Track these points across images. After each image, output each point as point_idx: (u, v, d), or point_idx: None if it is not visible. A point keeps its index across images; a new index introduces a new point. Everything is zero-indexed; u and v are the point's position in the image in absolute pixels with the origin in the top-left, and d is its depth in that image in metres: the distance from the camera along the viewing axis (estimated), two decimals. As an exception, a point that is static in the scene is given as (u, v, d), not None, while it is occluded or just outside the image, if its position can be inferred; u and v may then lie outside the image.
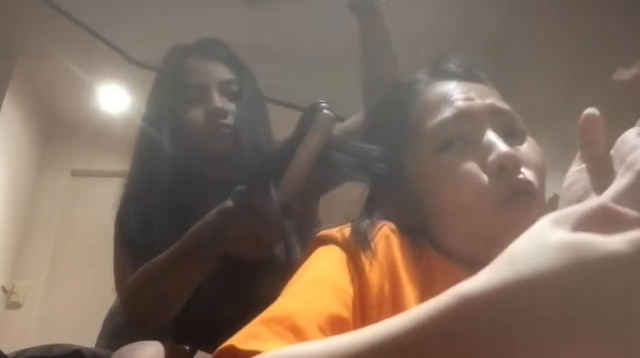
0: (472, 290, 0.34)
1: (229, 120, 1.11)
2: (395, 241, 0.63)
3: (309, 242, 0.65)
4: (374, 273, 0.58)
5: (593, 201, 0.35)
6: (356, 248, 0.60)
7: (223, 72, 1.15)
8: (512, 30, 2.49)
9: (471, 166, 0.63)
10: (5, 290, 2.94)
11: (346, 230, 0.63)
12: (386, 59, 1.08)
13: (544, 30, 2.27)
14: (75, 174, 3.30)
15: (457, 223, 0.65)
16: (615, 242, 0.31)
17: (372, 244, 0.60)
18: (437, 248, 0.66)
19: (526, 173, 0.62)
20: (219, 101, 1.11)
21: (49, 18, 2.48)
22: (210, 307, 1.07)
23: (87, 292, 2.76)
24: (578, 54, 2.00)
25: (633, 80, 1.64)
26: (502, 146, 0.62)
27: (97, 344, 1.24)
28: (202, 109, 1.11)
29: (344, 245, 0.61)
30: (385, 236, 0.63)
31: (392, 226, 0.65)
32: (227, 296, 1.08)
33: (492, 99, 0.68)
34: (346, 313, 0.53)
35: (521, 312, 0.32)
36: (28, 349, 1.05)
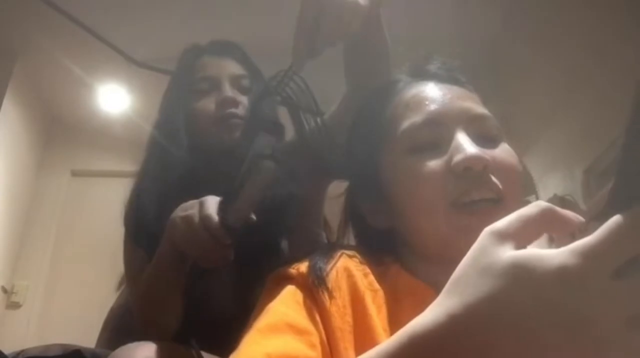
0: (420, 328, 0.35)
1: (239, 110, 1.12)
2: (355, 269, 0.61)
3: (267, 280, 0.64)
4: (335, 307, 0.57)
5: (536, 205, 0.36)
6: (314, 285, 0.58)
7: (235, 68, 1.17)
8: (510, 30, 2.49)
9: (437, 167, 0.62)
10: (5, 290, 2.94)
11: (303, 266, 0.61)
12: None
13: (542, 30, 2.27)
14: (75, 174, 3.30)
15: (422, 224, 0.63)
16: (560, 255, 0.31)
17: (330, 277, 0.59)
18: (406, 262, 0.66)
19: (494, 178, 0.61)
20: (229, 91, 1.12)
21: (49, 18, 2.48)
22: (215, 307, 1.08)
23: (87, 292, 2.76)
24: (576, 54, 2.01)
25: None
26: (469, 148, 0.61)
27: (97, 344, 1.24)
28: (213, 98, 1.12)
29: (302, 282, 0.60)
30: (344, 266, 0.61)
31: (351, 253, 0.64)
32: (231, 295, 1.08)
33: (468, 103, 0.67)
34: (313, 353, 0.52)
35: (473, 341, 0.33)
36: (28, 349, 1.05)
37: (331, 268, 0.60)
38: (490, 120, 0.67)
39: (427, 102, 0.67)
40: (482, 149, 0.62)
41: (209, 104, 1.11)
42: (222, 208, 0.86)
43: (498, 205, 0.60)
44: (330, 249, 0.65)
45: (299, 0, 0.80)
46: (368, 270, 0.62)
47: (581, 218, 0.35)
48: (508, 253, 0.33)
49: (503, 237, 0.34)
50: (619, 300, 0.30)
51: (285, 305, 0.57)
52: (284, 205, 1.08)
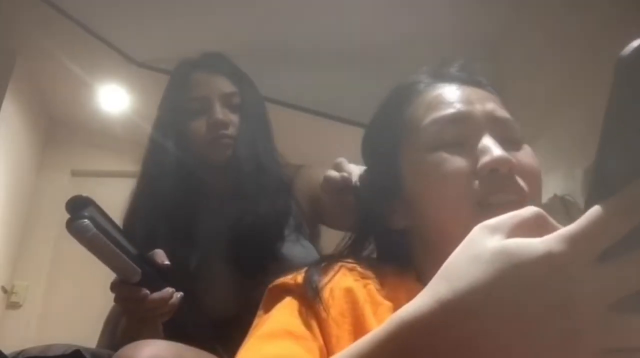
0: (408, 314, 0.35)
1: (230, 131, 1.17)
2: (354, 280, 0.61)
3: (267, 291, 0.64)
4: (332, 315, 0.57)
5: (529, 209, 0.37)
6: (309, 296, 0.59)
7: (225, 85, 1.20)
8: (511, 30, 2.49)
9: (462, 166, 0.62)
10: (5, 290, 2.94)
11: (300, 276, 0.62)
12: None
13: (543, 31, 2.27)
14: (75, 174, 3.30)
15: (446, 222, 0.63)
16: (545, 242, 0.32)
17: (326, 290, 0.59)
18: (418, 267, 0.66)
19: (519, 180, 0.61)
20: (220, 113, 1.16)
21: (49, 18, 2.49)
22: (219, 309, 1.09)
23: (87, 292, 2.76)
24: (577, 54, 2.01)
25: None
26: (496, 150, 0.61)
27: (97, 344, 1.24)
28: (205, 120, 1.17)
29: (299, 292, 0.60)
30: (343, 279, 0.61)
31: (351, 265, 0.64)
32: (232, 298, 1.10)
33: (492, 105, 0.67)
34: (310, 357, 0.53)
35: (462, 326, 0.33)
36: (28, 349, 1.05)
37: (328, 282, 0.60)
38: (513, 122, 0.67)
39: (451, 101, 0.67)
40: (509, 152, 0.62)
41: (200, 126, 1.16)
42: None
43: (522, 206, 0.60)
44: (328, 261, 0.65)
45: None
46: (369, 281, 0.62)
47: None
48: (498, 241, 0.34)
49: (493, 230, 0.35)
50: (600, 284, 0.31)
51: (284, 314, 0.58)
52: (280, 213, 1.14)
